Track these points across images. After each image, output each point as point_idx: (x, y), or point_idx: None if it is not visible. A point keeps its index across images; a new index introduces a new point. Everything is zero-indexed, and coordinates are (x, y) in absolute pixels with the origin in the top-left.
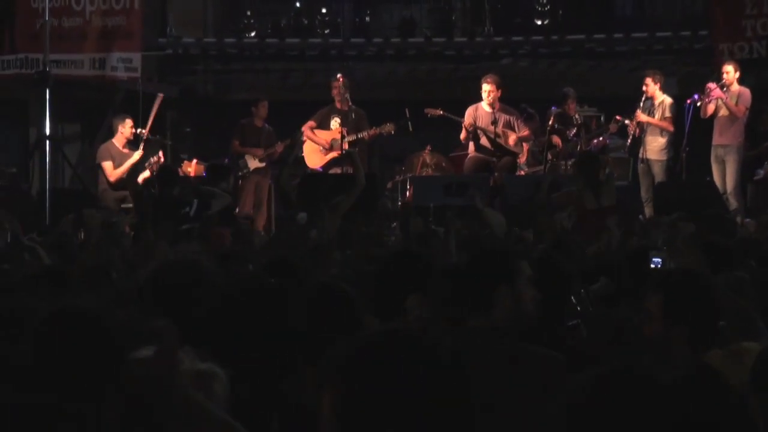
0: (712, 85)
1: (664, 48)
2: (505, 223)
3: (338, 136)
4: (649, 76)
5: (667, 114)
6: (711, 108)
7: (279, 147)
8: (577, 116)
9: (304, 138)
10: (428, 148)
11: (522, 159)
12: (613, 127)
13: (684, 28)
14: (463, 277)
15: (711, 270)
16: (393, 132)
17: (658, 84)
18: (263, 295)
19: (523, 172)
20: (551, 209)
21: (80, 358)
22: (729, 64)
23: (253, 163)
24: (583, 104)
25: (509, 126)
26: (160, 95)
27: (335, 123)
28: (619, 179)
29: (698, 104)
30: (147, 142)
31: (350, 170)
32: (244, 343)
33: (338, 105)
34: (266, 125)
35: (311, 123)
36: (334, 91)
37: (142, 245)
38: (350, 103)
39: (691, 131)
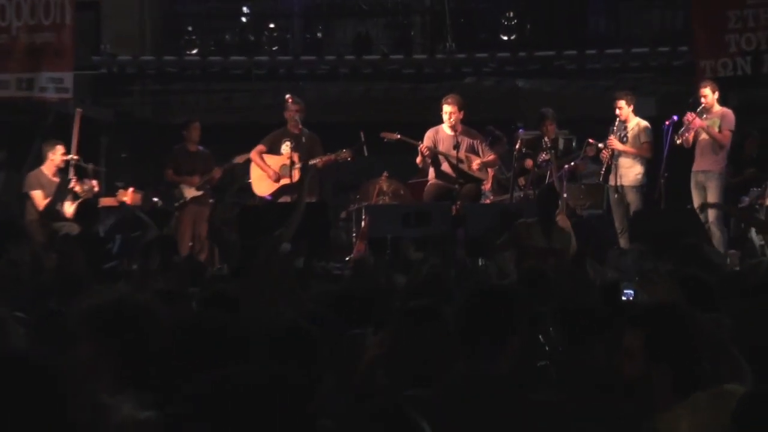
0: (690, 117)
1: (641, 65)
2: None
3: (288, 162)
4: (620, 98)
5: (643, 139)
6: (691, 137)
7: (217, 172)
8: (546, 139)
9: (254, 163)
10: (385, 174)
11: (487, 186)
12: (590, 151)
13: (662, 43)
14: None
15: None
16: (350, 158)
17: (632, 106)
18: (218, 335)
19: (488, 201)
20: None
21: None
22: (706, 87)
23: (190, 192)
24: (563, 128)
25: (473, 150)
26: (79, 111)
27: (286, 148)
28: (592, 208)
29: (677, 139)
30: (65, 170)
31: (309, 198)
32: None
33: (290, 128)
34: (201, 149)
35: (261, 147)
36: (287, 114)
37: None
38: (301, 127)
39: (669, 155)
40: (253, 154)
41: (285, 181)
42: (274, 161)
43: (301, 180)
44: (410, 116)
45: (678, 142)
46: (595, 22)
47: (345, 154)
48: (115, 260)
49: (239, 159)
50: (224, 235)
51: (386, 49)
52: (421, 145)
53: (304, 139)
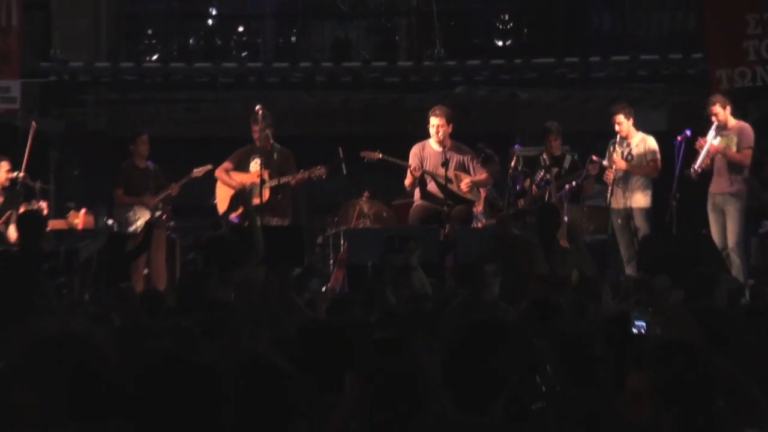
0: (702, 142)
1: (650, 74)
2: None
3: (258, 181)
4: (618, 112)
5: (650, 157)
6: (706, 164)
7: (174, 190)
8: (545, 157)
9: (219, 182)
10: (366, 194)
11: (478, 208)
12: (592, 169)
13: (674, 49)
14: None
15: (705, 342)
16: (324, 176)
17: (631, 119)
18: (180, 374)
19: (479, 224)
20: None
21: None
22: (715, 103)
23: (145, 214)
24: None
25: (463, 168)
26: (34, 124)
27: (255, 165)
28: (595, 232)
29: (692, 174)
30: (12, 188)
31: (272, 220)
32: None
33: (258, 143)
34: (151, 164)
35: (226, 165)
36: (256, 127)
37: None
38: (272, 141)
39: (682, 174)
40: (219, 172)
41: (255, 201)
42: (242, 180)
43: (249, 216)
44: (394, 129)
45: (693, 175)
46: (599, 26)
47: (319, 171)
48: (64, 275)
49: (197, 172)
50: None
51: (368, 55)
52: (411, 167)
53: (275, 156)
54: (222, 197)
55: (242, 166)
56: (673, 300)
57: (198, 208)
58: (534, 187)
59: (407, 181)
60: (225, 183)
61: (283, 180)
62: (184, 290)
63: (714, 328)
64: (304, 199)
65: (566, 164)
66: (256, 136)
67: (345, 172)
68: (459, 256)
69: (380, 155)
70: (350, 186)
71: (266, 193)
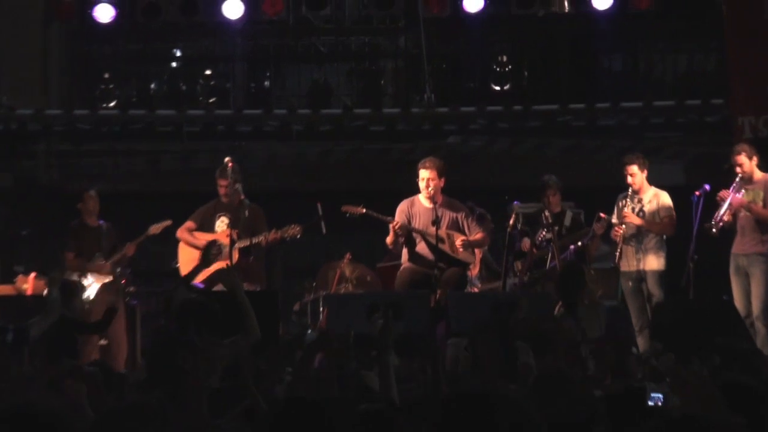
0: (725, 194)
1: (665, 121)
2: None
3: (227, 241)
4: (631, 163)
5: (664, 213)
6: (728, 217)
7: (130, 249)
8: (548, 214)
9: (182, 243)
10: (348, 256)
11: (474, 271)
12: (598, 228)
13: (691, 94)
14: None
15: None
16: (299, 235)
17: (645, 172)
18: None
19: (475, 289)
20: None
21: None
22: (740, 153)
23: (99, 280)
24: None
25: (456, 227)
26: None
27: (222, 224)
28: (604, 298)
29: (712, 230)
30: None
31: (251, 285)
32: None
33: (225, 199)
34: (103, 223)
35: (189, 224)
36: (222, 181)
37: None
38: (242, 197)
39: (700, 233)
40: (181, 232)
41: (220, 263)
42: (207, 240)
43: (233, 288)
44: (379, 184)
45: (713, 231)
46: (609, 69)
47: (293, 230)
48: (13, 353)
49: (155, 229)
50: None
51: (349, 101)
52: (392, 222)
53: (245, 213)
54: (186, 260)
55: (206, 225)
56: (691, 369)
57: (158, 271)
58: (533, 248)
59: (388, 239)
60: (188, 243)
61: (254, 240)
62: (155, 360)
63: (739, 401)
64: (279, 261)
65: (567, 221)
66: (222, 191)
67: (324, 231)
68: (452, 325)
69: (364, 210)
70: (330, 247)
71: (235, 255)
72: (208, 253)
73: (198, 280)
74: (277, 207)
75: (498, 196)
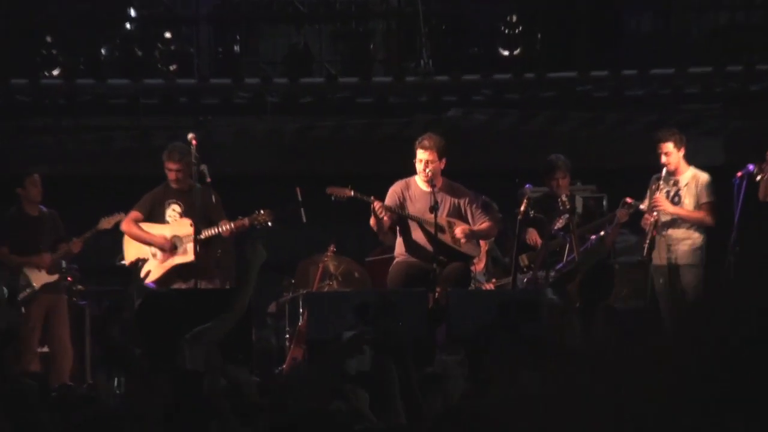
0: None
1: (702, 91)
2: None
3: (181, 232)
4: (666, 140)
5: (705, 198)
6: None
7: (76, 245)
8: (564, 198)
9: (127, 237)
10: (332, 249)
11: (479, 266)
12: (622, 215)
13: (733, 59)
14: None
15: None
16: (270, 223)
17: (682, 150)
18: None
19: (481, 286)
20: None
21: None
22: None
23: (40, 278)
24: (576, 180)
25: (458, 214)
26: None
27: (173, 212)
28: (631, 297)
29: (758, 178)
30: None
31: (205, 283)
32: None
33: (175, 184)
34: (45, 210)
35: (135, 214)
36: (169, 165)
37: None
38: (191, 181)
39: (742, 221)
40: (127, 225)
41: (179, 259)
42: (158, 231)
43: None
44: (368, 165)
45: (758, 178)
46: (636, 30)
47: (263, 216)
48: None
49: (106, 223)
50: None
51: (333, 69)
52: (374, 201)
53: (199, 199)
54: (133, 257)
55: (156, 215)
56: None
57: (109, 269)
58: (547, 239)
59: (371, 221)
60: (137, 238)
61: (215, 230)
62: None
63: None
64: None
65: (578, 208)
66: (172, 176)
67: (304, 219)
68: (453, 328)
69: (352, 192)
70: (311, 238)
71: (191, 249)
72: (137, 270)
73: (149, 279)
74: (250, 192)
75: (507, 179)
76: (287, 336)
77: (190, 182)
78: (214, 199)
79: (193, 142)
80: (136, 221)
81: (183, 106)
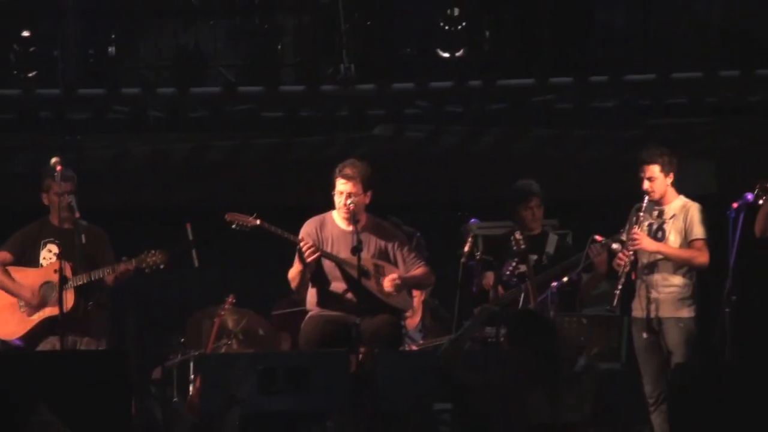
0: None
1: (690, 102)
2: None
3: (55, 277)
4: (653, 161)
5: (697, 233)
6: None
7: None
8: (518, 236)
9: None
10: (230, 300)
11: (413, 320)
12: (594, 252)
13: (726, 63)
14: None
15: None
16: (162, 265)
17: (671, 175)
18: None
19: (414, 347)
20: None
21: None
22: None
23: None
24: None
25: (386, 257)
26: None
27: (49, 253)
28: (602, 359)
29: (760, 202)
30: None
31: (81, 341)
32: None
33: (54, 220)
34: None
35: (2, 255)
36: (50, 194)
37: None
38: (77, 215)
39: (739, 263)
40: None
41: (50, 311)
42: (29, 278)
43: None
44: (274, 196)
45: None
46: (608, 27)
47: (155, 257)
48: None
49: None
50: None
51: (230, 74)
52: (300, 240)
53: (82, 238)
54: None
55: (28, 257)
56: None
57: None
58: (499, 286)
59: (293, 270)
60: (2, 286)
61: (94, 276)
62: None
63: None
64: (130, 308)
65: (550, 248)
66: (55, 201)
67: (197, 263)
68: (382, 399)
69: (258, 221)
70: (205, 286)
71: (70, 299)
72: None
73: (13, 335)
74: (128, 229)
75: (447, 212)
76: (176, 408)
77: (75, 215)
78: (101, 238)
79: (58, 167)
80: (3, 264)
81: (45, 123)
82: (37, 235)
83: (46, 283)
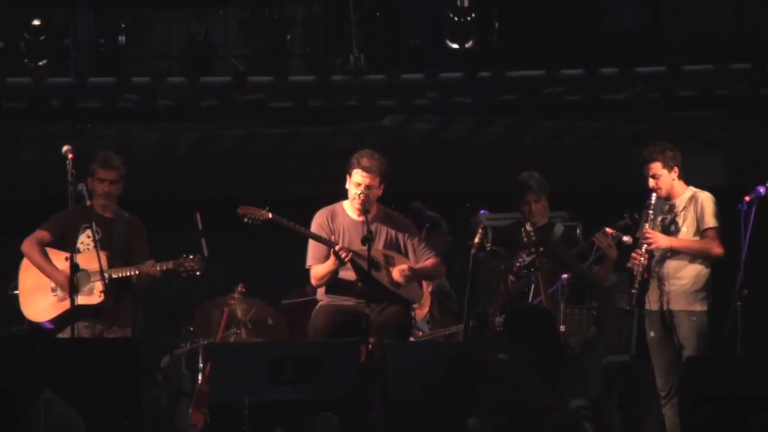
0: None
1: (700, 95)
2: None
3: (90, 266)
4: (654, 159)
5: (709, 223)
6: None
7: None
8: (528, 228)
9: (27, 261)
10: (240, 289)
11: (422, 311)
12: (602, 241)
13: (737, 56)
14: None
15: None
16: (198, 272)
17: (675, 171)
18: None
19: (420, 333)
20: None
21: None
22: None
23: None
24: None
25: (396, 248)
26: None
27: (88, 239)
28: (613, 351)
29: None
30: None
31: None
32: None
33: (104, 200)
34: None
35: (41, 234)
36: (102, 173)
37: None
38: (88, 204)
39: (750, 256)
40: (29, 246)
41: (82, 300)
42: (65, 262)
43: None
44: (284, 186)
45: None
46: (618, 20)
47: (193, 263)
48: None
49: None
50: None
51: (240, 64)
52: (337, 244)
53: (123, 228)
54: (30, 286)
55: (69, 239)
56: None
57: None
58: (510, 276)
59: (322, 270)
60: (37, 265)
61: (121, 273)
62: None
63: None
64: (140, 296)
65: (556, 239)
66: (107, 189)
67: (206, 252)
68: (391, 389)
69: (270, 215)
70: (215, 275)
71: (99, 290)
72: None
73: (43, 318)
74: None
75: (456, 204)
76: (192, 399)
77: (114, 205)
78: (140, 233)
79: (69, 155)
80: (42, 244)
81: (56, 111)
82: (79, 219)
83: (82, 271)
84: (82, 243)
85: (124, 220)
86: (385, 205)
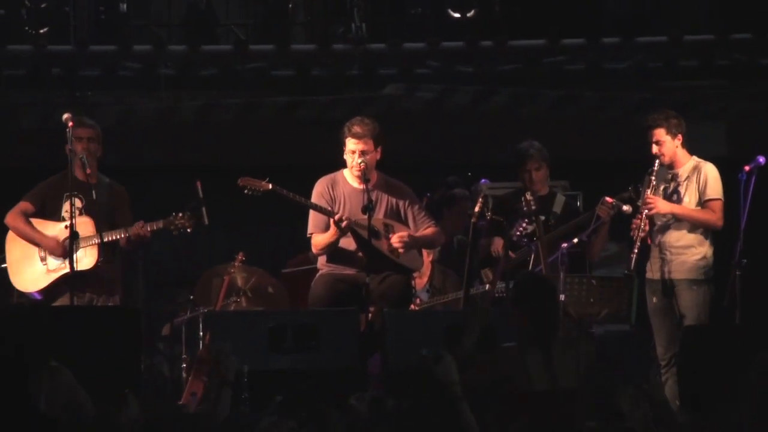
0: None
1: (701, 65)
2: None
3: (81, 232)
4: (658, 125)
5: (711, 194)
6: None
7: None
8: (528, 197)
9: (12, 233)
10: (240, 258)
11: (422, 279)
12: (603, 212)
13: (738, 26)
14: None
15: None
16: (189, 230)
17: (679, 138)
18: None
19: (419, 301)
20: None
21: None
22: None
23: None
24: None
25: (396, 216)
26: None
27: (72, 207)
28: (611, 319)
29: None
30: None
31: (99, 299)
32: None
33: (78, 173)
34: None
35: (24, 205)
36: (72, 146)
37: None
38: (89, 171)
39: (751, 225)
40: (13, 217)
41: (77, 266)
42: (51, 231)
43: None
44: (284, 155)
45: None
46: None
47: (183, 220)
48: None
49: None
50: None
51: (242, 33)
52: (338, 214)
53: (104, 193)
54: (17, 258)
55: (50, 209)
56: None
57: None
58: (508, 247)
59: (324, 240)
60: (24, 235)
61: (122, 234)
62: None
63: None
64: (139, 266)
65: (557, 208)
66: (85, 146)
67: (206, 221)
68: (390, 357)
69: (270, 186)
70: (215, 244)
71: (92, 254)
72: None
73: (32, 289)
74: (138, 187)
75: (458, 173)
76: (184, 365)
77: (94, 172)
78: (123, 199)
79: (70, 123)
80: (26, 214)
81: (56, 79)
82: (59, 188)
83: (66, 239)
84: (67, 211)
85: (105, 185)
86: (385, 172)
